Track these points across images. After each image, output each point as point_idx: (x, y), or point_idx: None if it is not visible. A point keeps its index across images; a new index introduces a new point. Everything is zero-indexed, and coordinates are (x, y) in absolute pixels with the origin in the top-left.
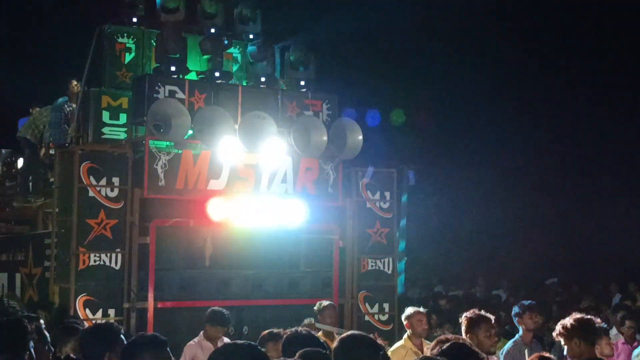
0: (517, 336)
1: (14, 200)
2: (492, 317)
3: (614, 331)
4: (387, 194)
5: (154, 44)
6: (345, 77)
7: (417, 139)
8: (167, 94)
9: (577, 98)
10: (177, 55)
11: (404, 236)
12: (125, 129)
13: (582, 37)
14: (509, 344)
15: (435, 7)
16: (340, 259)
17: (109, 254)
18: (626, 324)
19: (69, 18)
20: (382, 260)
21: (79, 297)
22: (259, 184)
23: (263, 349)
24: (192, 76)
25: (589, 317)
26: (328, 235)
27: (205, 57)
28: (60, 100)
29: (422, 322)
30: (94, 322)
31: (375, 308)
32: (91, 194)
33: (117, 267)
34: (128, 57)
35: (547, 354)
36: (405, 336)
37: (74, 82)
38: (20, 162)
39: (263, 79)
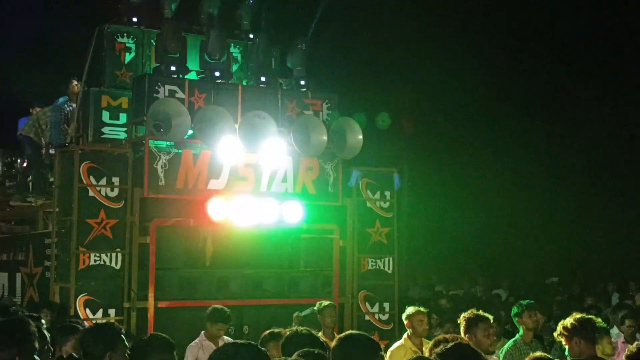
0: (517, 336)
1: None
2: (491, 317)
3: (615, 330)
4: (387, 194)
5: (154, 43)
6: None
7: (416, 139)
8: (167, 94)
9: (575, 98)
10: (177, 55)
11: None
12: (125, 128)
13: (574, 35)
14: (509, 343)
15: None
16: (341, 258)
17: (109, 254)
18: (626, 323)
19: (68, 17)
20: (383, 260)
21: (79, 297)
22: (259, 184)
23: (264, 349)
24: (192, 76)
25: (589, 316)
26: (328, 235)
27: (206, 57)
28: (61, 100)
29: (423, 322)
30: (94, 321)
31: (376, 307)
32: (91, 193)
33: (118, 267)
34: (128, 57)
35: (545, 355)
36: (405, 335)
37: (74, 82)
38: (20, 162)
39: (263, 79)
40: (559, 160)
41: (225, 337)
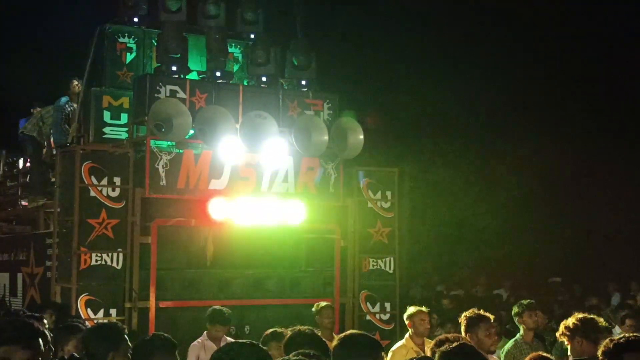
0: (517, 335)
1: (20, 200)
2: (492, 317)
3: (617, 330)
4: (389, 194)
5: (155, 43)
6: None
7: (416, 138)
8: (168, 94)
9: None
10: (178, 55)
11: None
12: (127, 128)
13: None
14: (510, 343)
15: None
16: (342, 258)
17: (110, 254)
18: (626, 323)
19: (69, 18)
20: (384, 260)
21: (81, 297)
22: (260, 184)
23: (265, 348)
24: (193, 76)
25: (591, 316)
26: (329, 235)
27: (207, 56)
28: (62, 100)
29: (425, 322)
30: (95, 322)
31: (377, 307)
32: (92, 193)
33: (119, 267)
34: (129, 57)
35: (545, 354)
36: (407, 335)
37: (75, 82)
38: (22, 162)
39: (264, 79)
40: (560, 160)
41: (228, 338)
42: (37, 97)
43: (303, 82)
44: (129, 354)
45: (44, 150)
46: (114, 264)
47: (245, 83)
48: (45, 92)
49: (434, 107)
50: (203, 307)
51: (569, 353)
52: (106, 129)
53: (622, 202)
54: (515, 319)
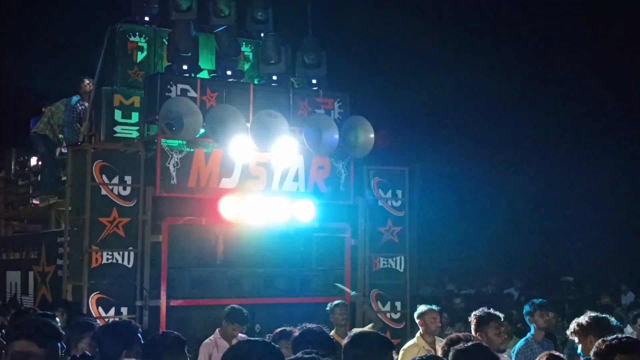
0: (528, 334)
1: (32, 199)
2: (502, 315)
3: (629, 329)
4: (399, 192)
5: (166, 42)
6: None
7: (427, 137)
8: (179, 93)
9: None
10: (189, 54)
11: None
12: (138, 127)
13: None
14: (521, 342)
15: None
16: (352, 257)
17: (121, 252)
18: (638, 322)
19: (81, 17)
20: (394, 259)
21: (92, 295)
22: (270, 183)
23: (278, 346)
24: (204, 75)
25: (603, 315)
26: (340, 234)
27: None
28: (73, 99)
29: (436, 320)
30: (106, 320)
31: (388, 306)
32: (104, 192)
33: (130, 265)
34: (140, 56)
35: (557, 353)
36: (417, 334)
37: (86, 81)
38: (33, 161)
39: (275, 78)
40: (573, 159)
41: (241, 335)
42: (48, 96)
43: (314, 81)
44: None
45: (58, 150)
46: (125, 263)
47: (256, 82)
48: (56, 91)
49: (445, 105)
50: (213, 306)
51: (579, 352)
52: (117, 128)
53: (636, 202)
54: (527, 318)
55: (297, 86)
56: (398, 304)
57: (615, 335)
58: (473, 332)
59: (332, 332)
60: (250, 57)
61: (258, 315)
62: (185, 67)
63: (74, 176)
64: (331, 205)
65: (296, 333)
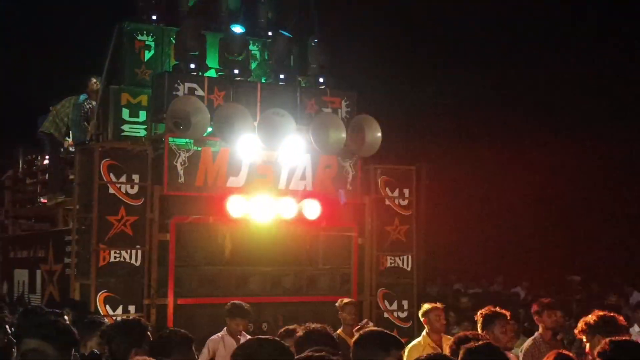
0: (536, 334)
1: (39, 197)
2: (508, 314)
3: (636, 328)
4: (406, 191)
5: (174, 41)
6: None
7: (434, 136)
8: (186, 92)
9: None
10: (197, 53)
11: None
12: (145, 126)
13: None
14: (528, 341)
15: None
16: (359, 256)
17: (129, 251)
18: None
19: (88, 16)
20: (401, 258)
21: (100, 294)
22: (277, 181)
23: (287, 344)
24: (211, 73)
25: (611, 314)
26: (347, 233)
27: (225, 54)
28: (80, 97)
29: (440, 318)
30: (114, 318)
31: (394, 305)
32: (111, 191)
33: (137, 264)
34: (147, 55)
35: (565, 352)
36: (424, 332)
37: (94, 80)
38: (40, 160)
39: (282, 76)
40: (580, 158)
41: (246, 335)
42: (55, 95)
43: (321, 80)
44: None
45: (63, 148)
46: (133, 261)
47: (264, 81)
48: (64, 90)
49: (452, 104)
50: (221, 304)
51: (587, 351)
52: (125, 127)
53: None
54: (534, 318)
55: (304, 85)
56: (405, 303)
57: (623, 338)
58: (479, 331)
59: (339, 330)
60: (258, 56)
61: (265, 313)
62: (192, 65)
63: (81, 175)
64: (338, 204)
65: (299, 333)
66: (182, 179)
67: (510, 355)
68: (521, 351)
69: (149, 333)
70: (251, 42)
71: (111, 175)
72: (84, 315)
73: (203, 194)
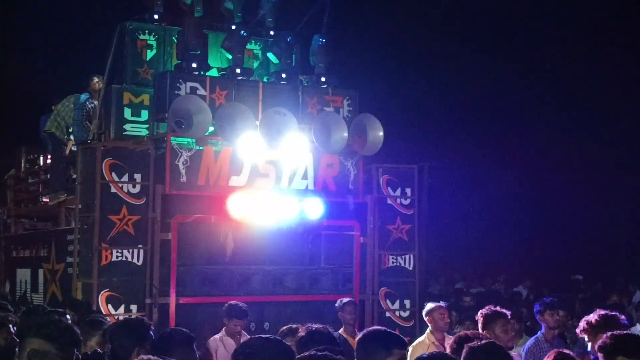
0: (538, 333)
1: (41, 196)
2: (509, 313)
3: (638, 327)
4: (408, 190)
5: (175, 40)
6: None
7: (436, 135)
8: (188, 91)
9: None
10: (198, 52)
11: None
12: (147, 125)
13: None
14: (531, 340)
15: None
16: (361, 255)
17: (131, 250)
18: None
19: (90, 15)
20: (403, 257)
21: (102, 293)
22: (279, 180)
23: (288, 343)
24: (213, 73)
25: (613, 313)
26: (349, 232)
27: (227, 54)
28: (82, 97)
29: (444, 317)
30: (116, 317)
31: (397, 304)
32: (113, 190)
33: (139, 263)
34: (149, 54)
35: (566, 351)
36: (427, 331)
37: (96, 79)
38: (43, 159)
39: (284, 76)
40: (584, 157)
41: (245, 334)
42: (57, 94)
43: (322, 79)
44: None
45: (68, 146)
46: (135, 260)
47: (265, 80)
48: (66, 90)
49: (455, 103)
50: (222, 303)
51: (589, 349)
52: (127, 126)
53: None
54: (537, 317)
55: (306, 84)
56: (407, 302)
57: (624, 332)
58: (480, 330)
59: (341, 330)
60: (259, 55)
61: (267, 313)
62: (194, 65)
63: (83, 174)
64: (340, 203)
65: (301, 333)
66: (184, 178)
67: (512, 353)
68: (523, 350)
69: (151, 332)
70: (253, 41)
71: (113, 174)
72: (86, 315)
73: (205, 193)
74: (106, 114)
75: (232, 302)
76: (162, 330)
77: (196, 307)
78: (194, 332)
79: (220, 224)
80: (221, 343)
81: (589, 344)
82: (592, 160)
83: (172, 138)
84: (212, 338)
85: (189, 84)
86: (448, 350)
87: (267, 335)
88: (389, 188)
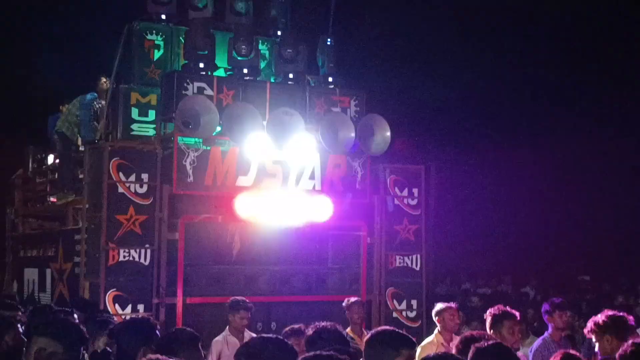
0: (546, 334)
1: (49, 196)
2: (517, 314)
3: None
4: (415, 191)
5: (183, 40)
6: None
7: (443, 135)
8: (195, 91)
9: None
10: (206, 52)
11: None
12: (154, 125)
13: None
14: (538, 341)
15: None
16: (368, 255)
17: (138, 250)
18: None
19: (98, 15)
20: (410, 257)
21: (109, 293)
22: (287, 181)
23: (290, 343)
24: (220, 73)
25: (621, 313)
26: (356, 232)
27: (234, 54)
28: (89, 97)
29: (454, 318)
30: (123, 317)
31: (403, 305)
32: (120, 190)
33: (146, 263)
34: (157, 54)
35: (573, 352)
36: (436, 331)
37: (103, 79)
38: (50, 159)
39: (291, 76)
40: (591, 156)
41: (250, 333)
42: (65, 94)
43: (330, 79)
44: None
45: (74, 147)
46: (142, 260)
47: (273, 80)
48: (73, 89)
49: (462, 104)
50: None
51: (596, 350)
52: (134, 126)
53: None
54: (545, 317)
55: (313, 84)
56: (414, 303)
57: None
58: (488, 330)
59: (348, 330)
60: (267, 55)
61: (274, 313)
62: (201, 65)
63: (91, 174)
64: (347, 203)
65: (310, 332)
66: (191, 178)
67: (519, 354)
68: (531, 351)
69: (157, 332)
70: (260, 41)
71: (120, 174)
72: (93, 314)
73: (212, 193)
74: (113, 114)
75: (234, 297)
76: (167, 330)
77: (203, 307)
78: (201, 332)
79: (228, 224)
80: (225, 343)
81: (596, 345)
82: (599, 160)
83: (179, 138)
84: (215, 340)
85: (197, 84)
86: (453, 351)
87: (269, 335)
88: (396, 188)
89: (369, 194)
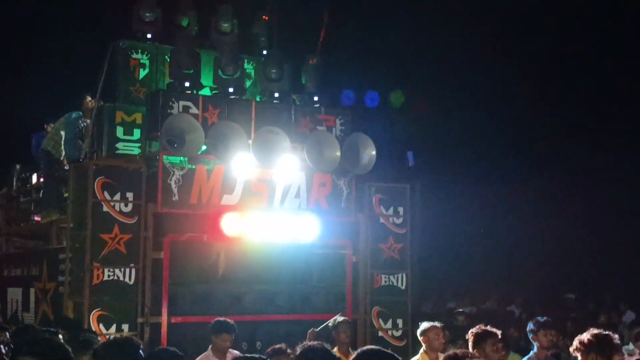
0: (531, 353)
1: (33, 215)
2: (499, 332)
3: (630, 346)
4: (400, 209)
5: (168, 59)
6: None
7: (428, 155)
8: (180, 109)
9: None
10: (191, 71)
11: None
12: (139, 144)
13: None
14: None
15: None
16: (354, 274)
17: (122, 269)
18: None
19: (83, 34)
20: (396, 276)
21: (93, 312)
22: (272, 199)
23: None
24: (205, 92)
25: (606, 332)
26: (341, 250)
27: (220, 73)
28: (74, 115)
29: (439, 337)
30: (107, 337)
31: (389, 324)
32: (105, 209)
33: (131, 282)
34: (142, 73)
35: None
36: (421, 351)
37: (88, 98)
38: (35, 178)
39: (276, 95)
40: (576, 177)
41: (233, 351)
42: (50, 113)
43: (315, 98)
44: None
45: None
46: (127, 279)
47: (258, 99)
48: (58, 108)
49: (447, 123)
50: None
51: None
52: (119, 145)
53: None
54: (530, 336)
55: (298, 103)
56: (399, 322)
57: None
58: (470, 349)
59: (335, 349)
60: (252, 74)
61: (259, 332)
62: (187, 84)
63: (75, 193)
64: (332, 222)
65: (297, 351)
66: (176, 197)
67: None
68: None
69: (140, 351)
70: (246, 60)
71: (105, 193)
72: (77, 334)
73: (197, 212)
74: (98, 132)
75: (219, 318)
76: (151, 350)
77: (188, 326)
78: (186, 351)
79: (213, 243)
80: None
81: None
82: (584, 177)
83: (164, 157)
84: (197, 358)
85: (182, 102)
86: None
87: (252, 355)
88: (382, 207)
89: (354, 212)
